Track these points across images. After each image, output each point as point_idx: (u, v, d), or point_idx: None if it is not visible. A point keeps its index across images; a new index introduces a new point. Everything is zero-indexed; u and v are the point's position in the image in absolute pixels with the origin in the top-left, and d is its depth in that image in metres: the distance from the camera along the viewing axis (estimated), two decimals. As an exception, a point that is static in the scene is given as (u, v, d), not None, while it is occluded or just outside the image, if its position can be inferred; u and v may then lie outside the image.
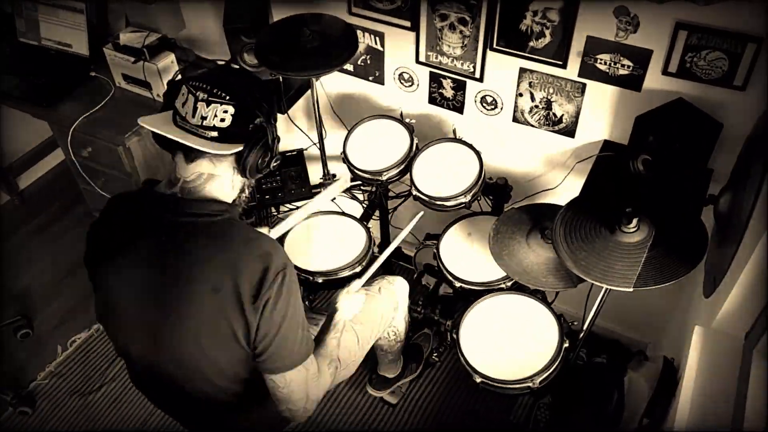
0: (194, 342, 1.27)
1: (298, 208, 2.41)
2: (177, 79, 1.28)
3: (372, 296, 1.80)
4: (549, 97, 1.89)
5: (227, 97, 1.19)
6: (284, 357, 1.28)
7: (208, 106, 1.19)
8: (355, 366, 1.75)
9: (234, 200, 1.34)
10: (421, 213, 1.82)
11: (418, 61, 2.06)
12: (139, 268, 1.28)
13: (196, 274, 1.22)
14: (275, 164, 1.33)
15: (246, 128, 1.22)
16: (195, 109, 1.19)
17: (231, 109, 1.19)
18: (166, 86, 1.31)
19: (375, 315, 1.79)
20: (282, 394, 1.32)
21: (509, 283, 1.79)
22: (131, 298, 1.31)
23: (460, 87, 2.05)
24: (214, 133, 1.20)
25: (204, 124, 1.19)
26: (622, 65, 1.70)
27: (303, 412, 1.36)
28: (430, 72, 2.07)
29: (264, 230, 1.83)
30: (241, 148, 1.22)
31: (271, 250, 1.25)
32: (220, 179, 1.28)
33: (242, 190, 1.34)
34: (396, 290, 1.87)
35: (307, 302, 2.33)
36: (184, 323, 1.25)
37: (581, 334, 1.79)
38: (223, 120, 1.19)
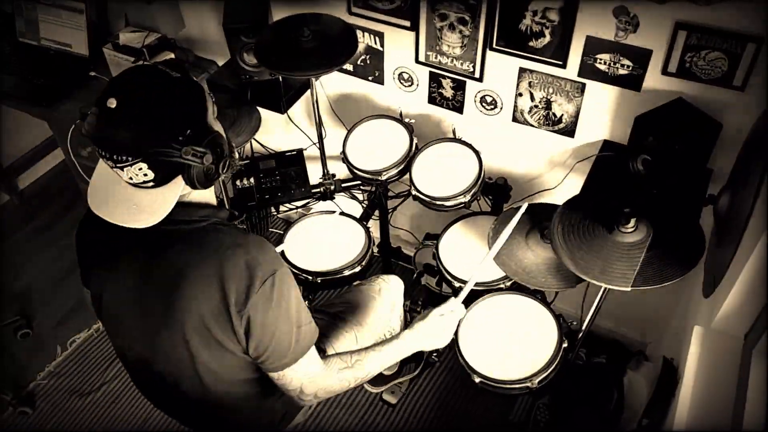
0: (186, 348, 1.26)
1: (297, 208, 2.40)
2: (81, 126, 1.15)
3: (372, 298, 1.79)
4: (549, 97, 1.89)
5: (129, 159, 1.09)
6: (278, 358, 1.27)
7: (123, 170, 1.11)
8: None
9: (219, 201, 1.30)
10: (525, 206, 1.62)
11: (417, 61, 2.06)
12: (126, 277, 1.27)
13: (182, 284, 1.20)
14: (230, 167, 1.22)
15: (175, 163, 1.12)
16: (116, 172, 1.13)
17: (144, 165, 1.10)
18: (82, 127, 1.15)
19: (375, 317, 1.79)
20: (278, 384, 1.33)
21: (508, 283, 1.79)
22: (122, 306, 1.31)
23: (459, 87, 2.05)
24: (150, 184, 1.14)
25: (135, 182, 1.13)
26: (622, 65, 1.70)
27: (305, 398, 1.36)
28: (430, 72, 2.07)
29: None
30: (181, 179, 1.16)
31: (258, 255, 1.21)
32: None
33: (220, 182, 1.27)
34: (392, 290, 1.87)
35: (306, 302, 2.33)
36: (175, 331, 1.24)
37: (580, 334, 1.79)
38: (146, 175, 1.12)
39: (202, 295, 1.20)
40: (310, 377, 1.33)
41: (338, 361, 1.39)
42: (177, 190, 1.17)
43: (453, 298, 1.55)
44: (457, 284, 1.83)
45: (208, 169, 1.16)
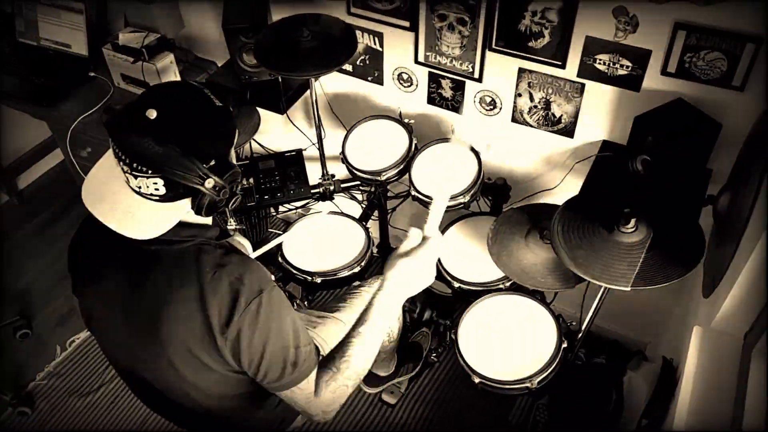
0: (171, 367, 1.25)
1: (296, 208, 2.40)
2: (104, 121, 1.16)
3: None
4: (548, 98, 1.89)
5: (149, 172, 1.09)
6: (275, 379, 1.23)
7: (136, 179, 1.11)
8: None
9: (213, 220, 1.28)
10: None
11: (416, 62, 2.06)
12: (111, 298, 1.27)
13: (164, 308, 1.18)
14: (235, 202, 1.22)
15: (186, 187, 1.12)
16: (127, 178, 1.13)
17: (159, 181, 1.10)
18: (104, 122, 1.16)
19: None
20: (287, 401, 1.31)
21: (508, 284, 1.79)
22: (108, 322, 1.31)
23: (458, 87, 2.05)
24: (156, 197, 1.13)
25: (143, 191, 1.12)
26: (621, 65, 1.70)
27: (316, 418, 1.32)
28: (429, 72, 2.07)
29: (243, 243, 1.57)
30: (188, 201, 1.15)
31: (244, 276, 1.18)
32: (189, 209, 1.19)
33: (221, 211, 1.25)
34: None
35: (305, 302, 2.33)
36: (158, 351, 1.24)
37: (580, 334, 1.79)
38: (157, 189, 1.11)
39: (183, 319, 1.18)
40: (308, 400, 1.28)
41: (323, 375, 1.28)
42: (181, 211, 1.16)
43: (414, 229, 1.31)
44: (456, 284, 1.83)
45: (220, 201, 1.16)
